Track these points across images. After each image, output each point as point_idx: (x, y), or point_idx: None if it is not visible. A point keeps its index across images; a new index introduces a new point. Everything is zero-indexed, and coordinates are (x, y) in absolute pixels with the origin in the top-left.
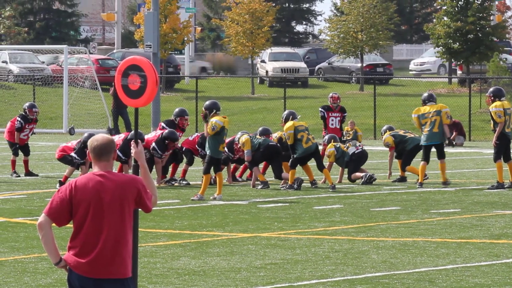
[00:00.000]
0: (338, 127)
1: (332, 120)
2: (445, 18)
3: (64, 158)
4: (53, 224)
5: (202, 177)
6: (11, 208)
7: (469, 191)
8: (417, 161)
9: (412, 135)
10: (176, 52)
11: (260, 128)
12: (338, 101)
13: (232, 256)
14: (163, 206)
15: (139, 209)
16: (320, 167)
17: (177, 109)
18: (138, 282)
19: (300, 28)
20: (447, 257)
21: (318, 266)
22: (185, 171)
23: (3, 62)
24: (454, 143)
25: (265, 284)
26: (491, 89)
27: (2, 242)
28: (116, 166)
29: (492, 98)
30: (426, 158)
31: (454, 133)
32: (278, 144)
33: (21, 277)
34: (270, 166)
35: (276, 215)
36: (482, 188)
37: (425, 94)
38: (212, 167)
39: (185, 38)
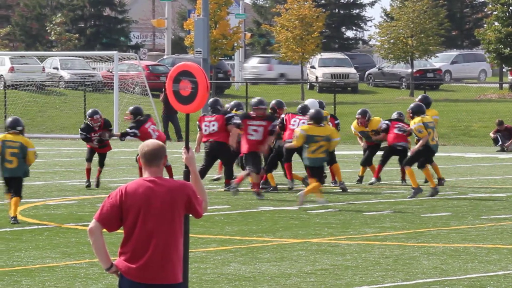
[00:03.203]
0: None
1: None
2: (496, 23)
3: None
4: (104, 230)
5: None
6: (62, 214)
7: None
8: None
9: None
10: (226, 58)
11: None
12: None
13: (282, 262)
14: (213, 211)
15: (190, 215)
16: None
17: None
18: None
19: (350, 33)
20: (499, 263)
21: (368, 272)
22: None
23: (54, 68)
24: (505, 148)
25: None
26: (411, 105)
27: (54, 247)
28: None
29: (411, 115)
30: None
31: (511, 140)
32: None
33: (72, 283)
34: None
35: (326, 221)
36: None
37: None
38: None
39: (235, 44)
